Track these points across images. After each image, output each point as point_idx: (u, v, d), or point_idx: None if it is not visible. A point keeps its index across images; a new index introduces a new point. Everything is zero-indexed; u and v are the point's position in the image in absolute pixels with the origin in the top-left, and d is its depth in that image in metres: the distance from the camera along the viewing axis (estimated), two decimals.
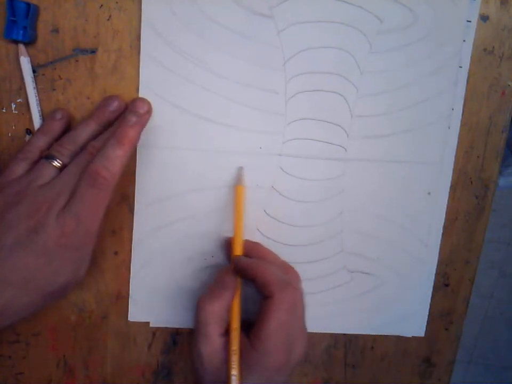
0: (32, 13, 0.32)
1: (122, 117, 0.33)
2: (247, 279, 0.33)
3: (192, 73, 0.35)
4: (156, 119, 0.35)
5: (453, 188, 0.39)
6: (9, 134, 0.35)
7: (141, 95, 0.35)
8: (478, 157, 0.39)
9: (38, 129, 0.34)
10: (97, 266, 0.37)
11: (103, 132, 0.33)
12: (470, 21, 0.36)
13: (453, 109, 0.37)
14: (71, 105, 0.35)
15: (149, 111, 0.34)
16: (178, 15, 0.34)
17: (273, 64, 0.35)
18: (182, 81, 0.35)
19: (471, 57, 0.37)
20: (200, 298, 0.33)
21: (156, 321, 0.39)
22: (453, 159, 0.38)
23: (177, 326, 0.39)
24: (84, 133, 0.33)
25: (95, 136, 0.33)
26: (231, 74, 0.35)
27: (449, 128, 0.38)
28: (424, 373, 0.43)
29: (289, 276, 0.36)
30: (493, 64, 0.37)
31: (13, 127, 0.34)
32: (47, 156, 0.32)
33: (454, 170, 0.38)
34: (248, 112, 0.36)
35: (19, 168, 0.32)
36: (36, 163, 0.32)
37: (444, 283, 0.41)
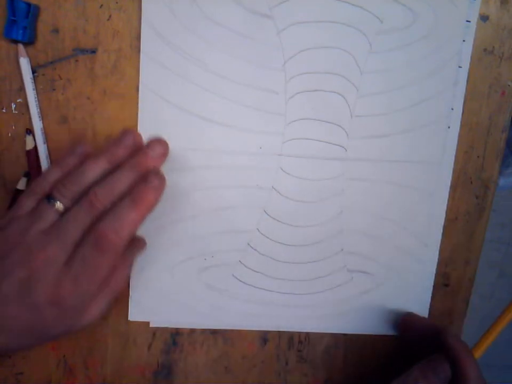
0: (32, 13, 0.32)
1: (143, 177, 0.30)
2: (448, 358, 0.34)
3: (192, 73, 0.35)
4: (156, 119, 0.35)
5: (453, 187, 0.39)
6: (9, 134, 0.35)
7: (140, 95, 0.35)
8: (478, 157, 0.39)
9: (55, 162, 0.32)
10: None
11: (112, 171, 0.30)
12: (469, 21, 0.36)
13: (452, 109, 0.37)
14: (71, 105, 0.35)
15: (165, 154, 0.32)
16: (178, 15, 0.34)
17: (273, 64, 0.35)
18: (182, 81, 0.35)
19: (471, 57, 0.37)
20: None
21: (156, 321, 0.39)
22: (453, 159, 0.38)
23: (177, 326, 0.39)
24: (91, 173, 0.30)
25: (103, 175, 0.30)
26: (231, 74, 0.35)
27: (449, 128, 0.38)
28: None
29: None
30: (493, 64, 0.37)
31: (13, 127, 0.34)
32: (48, 196, 0.30)
33: (454, 170, 0.38)
34: (248, 112, 0.36)
35: (28, 203, 0.30)
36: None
37: (444, 283, 0.41)
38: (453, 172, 0.38)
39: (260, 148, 0.37)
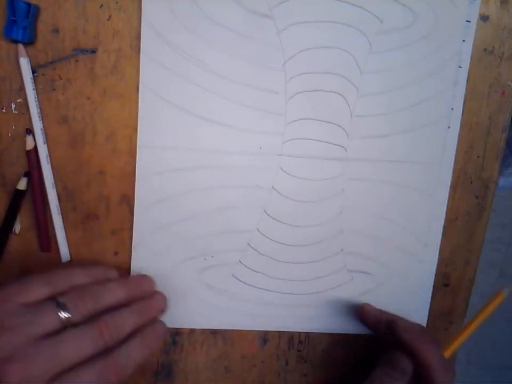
0: (32, 13, 0.32)
1: (153, 326, 0.32)
2: (405, 351, 0.34)
3: (192, 73, 0.35)
4: (156, 119, 0.35)
5: (453, 187, 0.39)
6: (9, 134, 0.35)
7: (141, 95, 0.35)
8: (478, 157, 0.39)
9: (87, 268, 0.32)
10: None
11: (123, 306, 0.31)
12: (469, 21, 0.36)
13: (452, 109, 0.37)
14: (71, 105, 0.34)
15: (166, 309, 0.35)
16: (178, 15, 0.34)
17: (273, 64, 0.35)
18: (182, 81, 0.35)
19: (471, 57, 0.37)
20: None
21: None
22: (453, 159, 0.38)
23: (177, 326, 0.39)
24: (111, 297, 0.30)
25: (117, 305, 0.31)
26: (231, 74, 0.35)
27: (449, 128, 0.38)
28: None
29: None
30: (493, 64, 0.37)
31: (13, 127, 0.34)
32: (59, 302, 0.28)
33: (454, 170, 0.38)
34: (248, 112, 0.36)
35: (40, 291, 0.28)
36: (59, 294, 0.29)
37: (444, 283, 0.41)
38: (453, 172, 0.39)
39: (260, 148, 0.37)
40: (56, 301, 0.28)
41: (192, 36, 0.34)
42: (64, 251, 0.36)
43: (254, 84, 0.35)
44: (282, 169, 0.37)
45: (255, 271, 0.38)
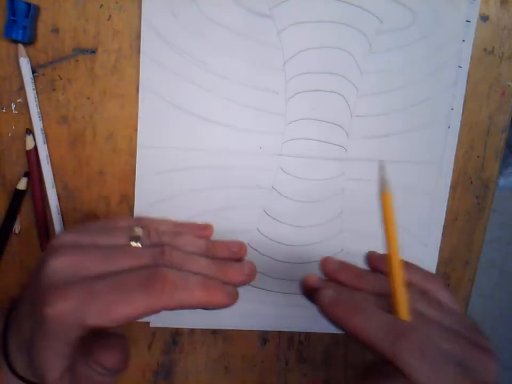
0: (32, 13, 0.32)
1: (226, 285, 0.27)
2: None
3: (192, 73, 0.35)
4: (156, 119, 0.35)
5: (453, 187, 0.39)
6: (9, 134, 0.35)
7: (141, 95, 0.35)
8: (478, 157, 0.39)
9: (180, 222, 0.29)
10: None
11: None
12: (469, 21, 0.36)
13: (452, 109, 0.37)
14: (71, 105, 0.34)
15: (253, 278, 0.29)
16: (178, 15, 0.34)
17: (273, 64, 0.35)
18: (182, 81, 0.35)
19: (471, 57, 0.37)
20: None
21: (156, 321, 0.39)
22: (453, 159, 0.38)
23: (177, 326, 0.39)
24: (188, 245, 0.27)
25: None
26: (231, 74, 0.35)
27: (449, 128, 0.38)
28: None
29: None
30: (493, 64, 0.37)
31: (13, 127, 0.34)
32: (134, 231, 0.27)
33: (454, 170, 0.38)
34: (248, 112, 0.36)
35: (123, 223, 0.28)
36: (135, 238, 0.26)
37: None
38: (453, 172, 0.39)
39: (260, 148, 0.37)
40: (133, 235, 0.26)
41: (192, 36, 0.34)
42: None
43: (254, 84, 0.35)
44: (282, 169, 0.37)
45: None
